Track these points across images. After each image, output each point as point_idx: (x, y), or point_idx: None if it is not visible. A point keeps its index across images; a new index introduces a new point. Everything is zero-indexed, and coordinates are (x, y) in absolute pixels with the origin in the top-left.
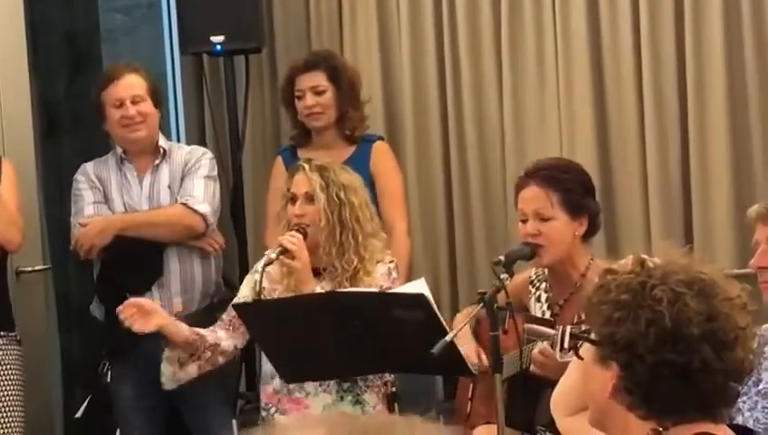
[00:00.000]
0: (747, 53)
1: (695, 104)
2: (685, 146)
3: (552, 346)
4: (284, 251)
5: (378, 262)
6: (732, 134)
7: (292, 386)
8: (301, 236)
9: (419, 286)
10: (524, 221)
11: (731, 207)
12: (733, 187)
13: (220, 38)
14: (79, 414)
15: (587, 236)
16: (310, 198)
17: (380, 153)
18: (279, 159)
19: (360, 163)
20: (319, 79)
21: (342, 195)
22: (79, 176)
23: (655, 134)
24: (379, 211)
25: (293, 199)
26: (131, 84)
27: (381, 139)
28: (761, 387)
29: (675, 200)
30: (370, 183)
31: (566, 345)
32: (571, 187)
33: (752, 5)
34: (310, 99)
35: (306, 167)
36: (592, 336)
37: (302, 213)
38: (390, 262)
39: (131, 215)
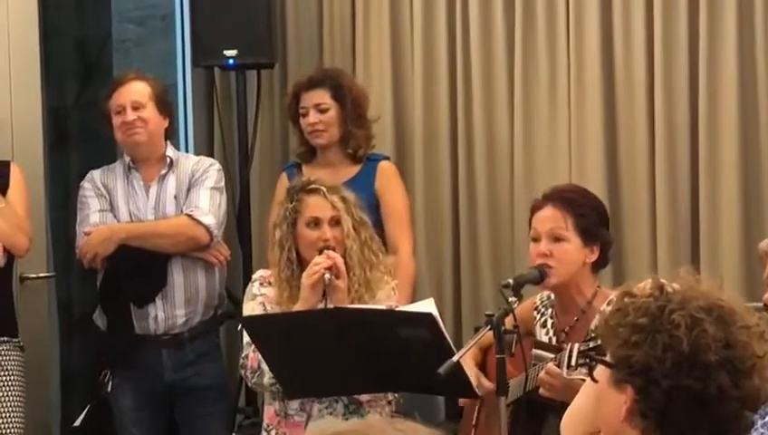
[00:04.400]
0: (761, 82)
1: (706, 133)
2: (695, 175)
3: (558, 365)
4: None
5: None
6: (742, 165)
7: (291, 410)
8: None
9: (428, 306)
10: (536, 241)
11: (739, 240)
12: (742, 219)
13: (233, 52)
14: (77, 423)
15: (597, 267)
16: (336, 222)
17: (386, 173)
18: (284, 176)
19: (364, 183)
20: (322, 96)
21: (359, 214)
22: (85, 183)
23: (665, 163)
24: (384, 232)
25: (317, 223)
26: (133, 91)
27: (387, 158)
28: None
29: (683, 230)
30: (375, 203)
31: (573, 363)
32: (587, 213)
33: (766, 36)
34: (313, 116)
35: (324, 190)
36: (607, 358)
37: (332, 237)
38: (392, 285)
39: (136, 224)
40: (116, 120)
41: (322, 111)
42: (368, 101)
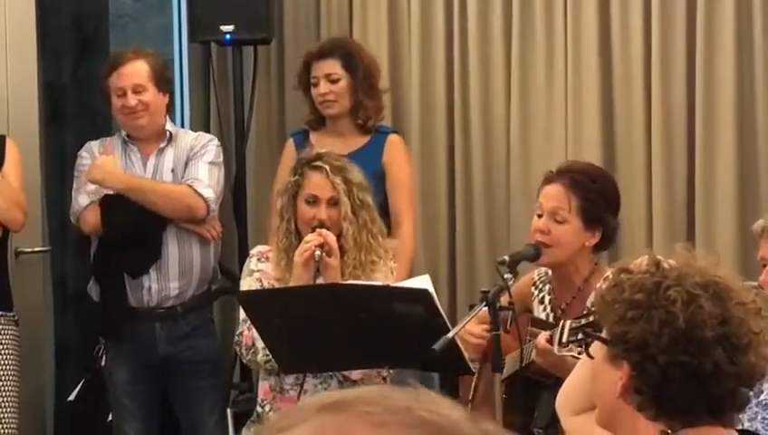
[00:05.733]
0: (757, 64)
1: (703, 120)
2: (691, 161)
3: (550, 341)
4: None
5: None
6: (739, 150)
7: (287, 385)
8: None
9: (424, 282)
10: (540, 216)
11: (734, 224)
12: (737, 203)
13: (230, 27)
14: (72, 397)
15: (597, 249)
16: (334, 202)
17: (394, 147)
18: (290, 142)
19: (372, 154)
20: (333, 66)
21: (361, 196)
22: (83, 153)
23: (661, 148)
24: (388, 205)
25: (315, 201)
26: (133, 73)
27: (396, 132)
28: (762, 398)
29: (678, 214)
30: (381, 175)
31: (564, 340)
32: (594, 197)
33: (764, 25)
34: (323, 86)
35: (327, 168)
36: (603, 334)
37: (327, 217)
38: (391, 266)
39: (139, 178)
40: (116, 103)
41: (333, 81)
42: (379, 72)
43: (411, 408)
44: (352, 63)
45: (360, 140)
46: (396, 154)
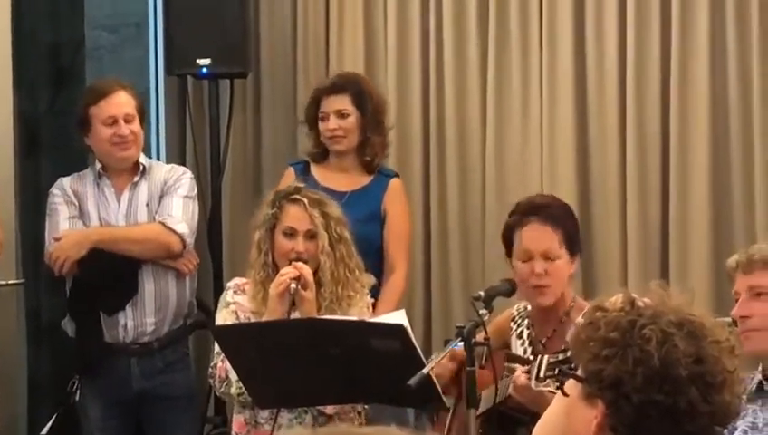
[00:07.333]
0: (731, 99)
1: (677, 150)
2: (665, 191)
3: (528, 376)
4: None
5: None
6: (712, 182)
7: (261, 419)
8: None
9: (399, 318)
10: (526, 261)
11: (708, 257)
12: (711, 235)
13: (206, 61)
14: (45, 431)
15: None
16: (311, 235)
17: (395, 192)
18: (291, 171)
19: (373, 195)
20: (344, 102)
21: (339, 230)
22: (54, 190)
23: (635, 177)
24: (384, 249)
25: (293, 234)
26: (124, 102)
27: (397, 176)
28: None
29: (653, 245)
30: (380, 217)
31: (541, 375)
32: (572, 227)
33: (737, 56)
34: (333, 122)
35: (305, 201)
36: (579, 372)
37: (305, 250)
38: (367, 302)
39: (108, 229)
40: (105, 132)
41: (343, 117)
42: (387, 108)
43: None
44: (363, 100)
45: (363, 180)
46: (395, 200)
